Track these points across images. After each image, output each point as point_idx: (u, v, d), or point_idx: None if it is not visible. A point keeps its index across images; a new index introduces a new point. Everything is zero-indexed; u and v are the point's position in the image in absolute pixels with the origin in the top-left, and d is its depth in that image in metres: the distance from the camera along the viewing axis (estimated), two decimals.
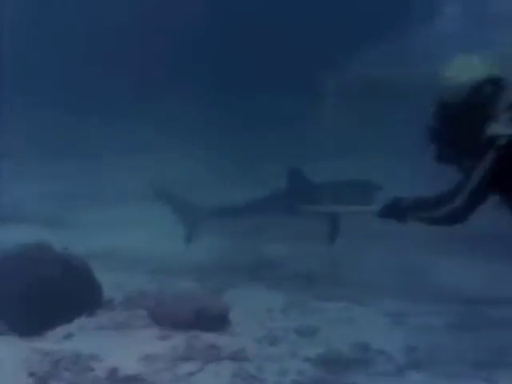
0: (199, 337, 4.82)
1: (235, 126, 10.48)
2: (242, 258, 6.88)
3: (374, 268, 6.58)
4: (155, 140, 10.92)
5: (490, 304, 5.60)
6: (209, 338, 4.83)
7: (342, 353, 4.66)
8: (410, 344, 4.79)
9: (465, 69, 3.86)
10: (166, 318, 5.10)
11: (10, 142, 10.47)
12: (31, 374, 4.17)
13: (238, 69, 11.23)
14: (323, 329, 5.09)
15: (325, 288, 6.01)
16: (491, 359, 4.58)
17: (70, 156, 10.72)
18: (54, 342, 4.71)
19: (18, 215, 8.51)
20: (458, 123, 3.79)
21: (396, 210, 4.03)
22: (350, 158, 8.99)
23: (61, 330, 4.89)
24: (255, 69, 10.85)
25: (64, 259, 5.34)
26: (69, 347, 4.58)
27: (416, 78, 8.19)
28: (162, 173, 9.23)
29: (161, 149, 10.81)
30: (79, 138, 11.19)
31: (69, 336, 4.85)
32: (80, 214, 8.60)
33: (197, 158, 10.48)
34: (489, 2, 9.65)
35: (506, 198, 3.55)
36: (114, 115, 11.15)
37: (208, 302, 5.22)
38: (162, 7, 11.65)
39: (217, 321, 5.09)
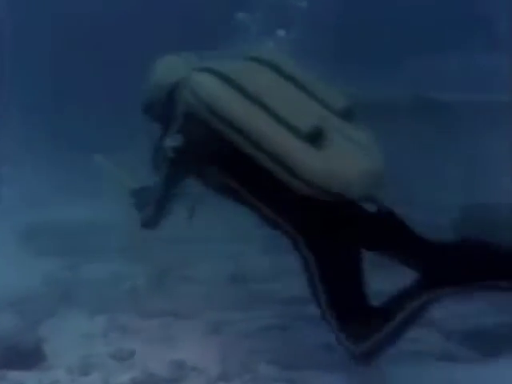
0: (6, 377, 4.60)
1: None
2: (63, 281, 6.62)
3: (200, 277, 6.59)
4: None
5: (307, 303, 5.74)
6: (17, 376, 4.62)
7: (157, 374, 4.61)
8: (224, 355, 4.83)
9: (165, 69, 3.93)
10: None
11: None
12: None
13: None
14: (141, 350, 5.02)
15: (148, 303, 5.92)
16: (299, 360, 4.71)
17: None
18: None
19: None
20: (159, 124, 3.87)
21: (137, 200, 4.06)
22: None
23: None
24: None
25: None
26: None
27: None
28: None
29: None
30: None
31: None
32: None
33: None
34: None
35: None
36: None
37: (18, 337, 4.99)
38: None
39: (28, 356, 4.88)
